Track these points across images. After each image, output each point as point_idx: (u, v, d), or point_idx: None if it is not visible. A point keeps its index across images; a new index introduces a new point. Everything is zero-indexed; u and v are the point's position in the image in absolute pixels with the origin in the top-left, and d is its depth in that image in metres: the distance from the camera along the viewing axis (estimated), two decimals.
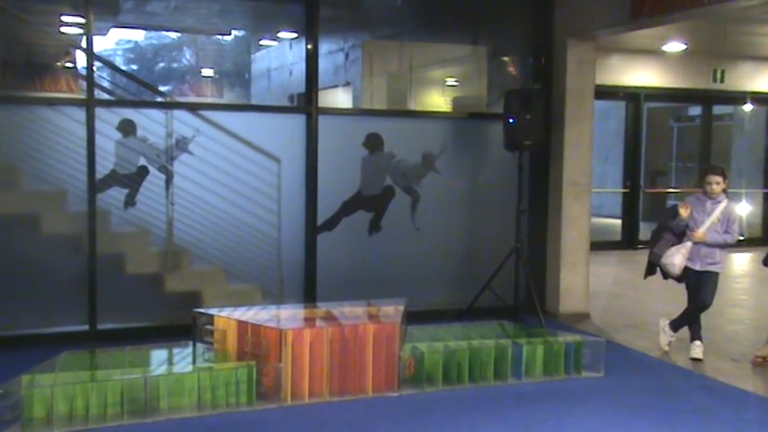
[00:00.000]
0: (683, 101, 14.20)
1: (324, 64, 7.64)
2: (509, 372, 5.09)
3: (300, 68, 7.33)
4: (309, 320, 5.29)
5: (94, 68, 5.94)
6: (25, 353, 5.06)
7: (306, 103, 6.59)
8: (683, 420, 4.44)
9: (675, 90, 11.98)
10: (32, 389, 4.12)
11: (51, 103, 6.21)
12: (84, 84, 6.21)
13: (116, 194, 6.09)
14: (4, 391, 4.02)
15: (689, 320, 5.76)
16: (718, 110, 13.25)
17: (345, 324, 4.85)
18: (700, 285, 5.60)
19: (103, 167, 5.94)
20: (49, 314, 5.82)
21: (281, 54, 18.82)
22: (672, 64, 11.75)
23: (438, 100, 13.87)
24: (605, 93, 10.61)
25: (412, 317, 5.48)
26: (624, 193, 12.35)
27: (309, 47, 6.46)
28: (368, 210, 6.76)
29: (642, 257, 6.08)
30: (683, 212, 5.56)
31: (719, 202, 5.58)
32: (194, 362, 4.82)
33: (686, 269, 5.65)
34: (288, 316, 5.28)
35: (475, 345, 5.09)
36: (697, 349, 5.72)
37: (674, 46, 10.88)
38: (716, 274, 5.60)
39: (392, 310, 5.24)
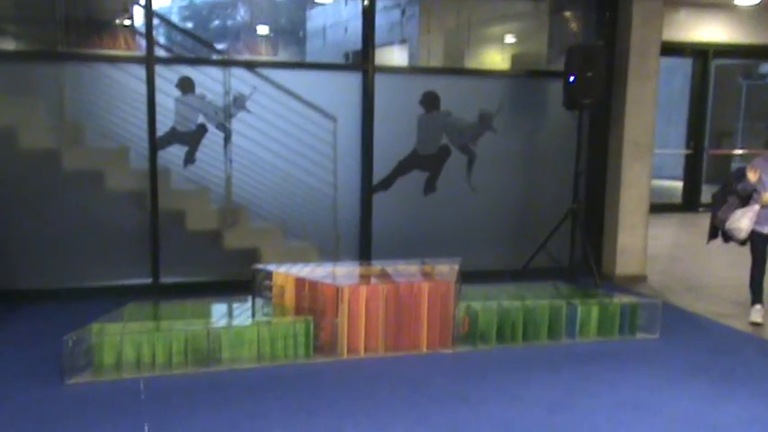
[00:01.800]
0: (753, 57, 13.67)
1: (380, 21, 7.57)
2: (563, 332, 5.09)
3: (356, 26, 7.30)
4: (365, 278, 5.35)
5: (153, 26, 6.03)
6: (93, 304, 5.28)
7: (362, 60, 6.58)
8: (739, 383, 4.38)
9: (746, 46, 11.51)
10: (102, 336, 4.31)
11: (113, 60, 6.33)
12: (141, 41, 6.30)
13: (176, 152, 6.22)
14: (76, 338, 4.20)
15: (755, 285, 5.64)
16: None
17: (401, 282, 4.90)
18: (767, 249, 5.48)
19: (163, 125, 6.06)
20: (115, 268, 6.03)
21: (336, 11, 18.74)
22: (743, 18, 11.28)
23: (496, 57, 13.65)
24: (671, 49, 10.25)
25: (467, 277, 5.50)
26: (687, 154, 12.04)
27: (366, 3, 6.41)
28: (423, 169, 6.75)
29: (703, 221, 5.95)
30: (752, 176, 5.40)
31: None
32: (254, 316, 4.95)
33: (752, 233, 5.52)
34: (344, 273, 5.35)
35: (529, 304, 5.10)
36: (757, 313, 5.61)
37: None
38: None
39: (447, 270, 5.27)
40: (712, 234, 5.83)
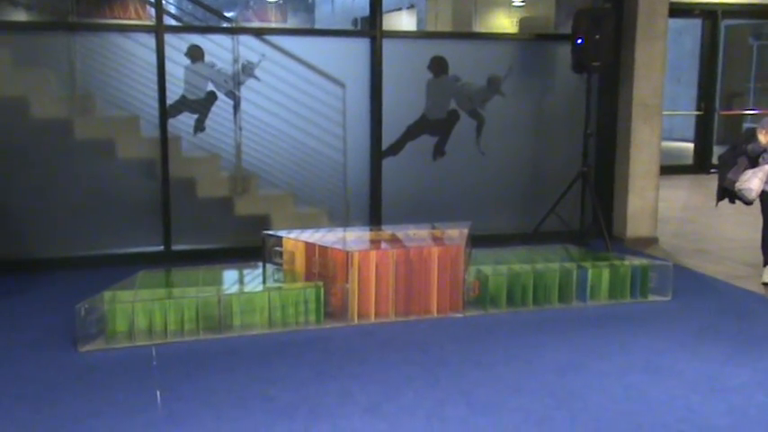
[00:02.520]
0: (764, 17, 13.46)
1: None
2: (574, 295, 5.11)
3: None
4: (375, 243, 5.38)
5: None
6: (105, 271, 5.34)
7: (370, 26, 6.53)
8: (752, 344, 4.39)
9: (756, 6, 11.36)
10: (114, 304, 4.36)
11: (123, 29, 6.32)
12: (151, 11, 6.27)
13: (186, 120, 6.23)
14: (89, 306, 4.25)
15: (767, 245, 5.62)
16: None
17: (411, 246, 4.92)
18: None
19: (173, 93, 6.06)
20: (127, 235, 6.08)
21: None
22: None
23: (504, 21, 13.52)
24: (680, 10, 10.12)
25: (477, 241, 5.52)
26: (698, 115, 11.94)
27: None
28: (432, 134, 6.74)
29: (714, 182, 5.92)
30: (763, 138, 5.36)
31: None
32: (264, 282, 4.99)
33: (762, 193, 5.49)
34: (354, 238, 5.38)
35: (539, 268, 5.11)
36: None
37: None
38: None
39: (457, 234, 5.28)
40: (720, 195, 5.81)
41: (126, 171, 6.04)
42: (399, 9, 15.50)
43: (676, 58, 13.11)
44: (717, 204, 5.89)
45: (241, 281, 5.16)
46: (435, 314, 4.83)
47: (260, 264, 5.16)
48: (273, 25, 20.18)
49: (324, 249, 4.79)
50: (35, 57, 5.85)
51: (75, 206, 5.93)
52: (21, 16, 7.27)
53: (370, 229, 6.07)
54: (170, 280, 5.04)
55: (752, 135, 5.46)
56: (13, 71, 5.79)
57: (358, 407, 3.49)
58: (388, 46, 6.36)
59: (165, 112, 5.96)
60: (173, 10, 7.08)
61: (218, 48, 6.11)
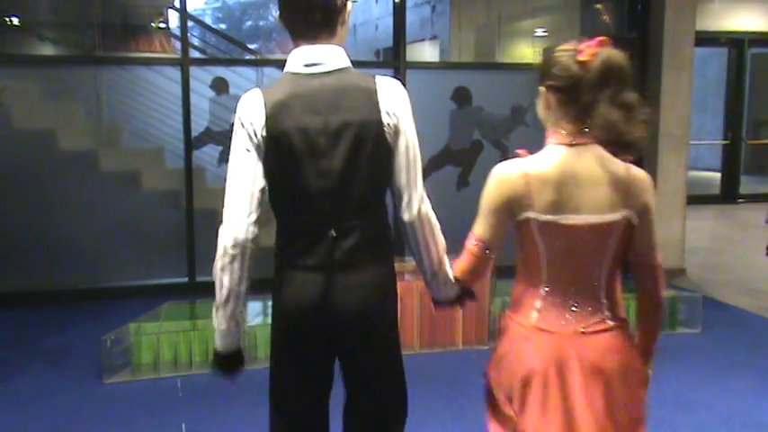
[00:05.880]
0: None
1: (410, 17, 7.56)
2: None
3: (386, 23, 7.31)
4: (399, 274, 5.32)
5: (188, 28, 6.09)
6: (130, 303, 5.34)
7: (393, 57, 6.56)
8: None
9: None
10: (140, 336, 4.36)
11: (148, 62, 6.41)
12: (176, 43, 6.37)
13: (211, 151, 6.27)
14: (114, 338, 4.26)
15: None
16: None
17: None
18: None
19: (198, 125, 6.11)
20: (151, 266, 6.11)
21: (366, 9, 18.74)
22: None
23: (527, 52, 13.54)
24: (706, 39, 10.09)
25: (502, 272, 5.45)
26: (724, 144, 11.83)
27: (396, 0, 6.40)
28: (456, 164, 6.72)
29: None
30: None
31: None
32: None
33: None
34: None
35: None
36: None
37: None
38: None
39: None
40: None
41: (151, 202, 6.09)
42: (422, 40, 15.60)
43: (702, 86, 13.02)
44: None
45: (264, 312, 5.15)
46: (461, 346, 4.77)
47: None
48: None
49: None
50: (62, 90, 5.95)
51: (101, 237, 5.97)
52: (48, 51, 7.41)
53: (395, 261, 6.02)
54: (195, 311, 5.04)
55: None
56: (41, 104, 5.88)
57: None
58: (411, 76, 6.38)
59: (190, 144, 6.01)
60: (197, 42, 7.20)
61: (242, 79, 6.17)
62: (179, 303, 5.11)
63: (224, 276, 2.04)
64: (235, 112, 2.00)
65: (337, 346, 2.08)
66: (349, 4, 2.02)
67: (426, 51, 15.69)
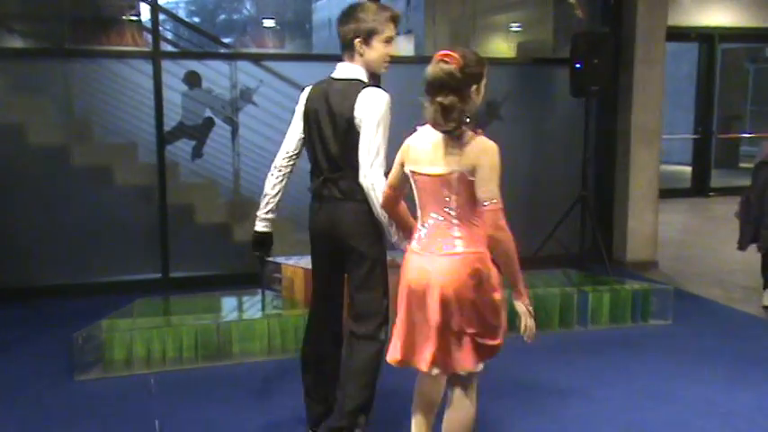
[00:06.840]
0: (760, 41, 13.57)
1: None
2: (574, 320, 5.08)
3: None
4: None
5: (159, 21, 6.02)
6: (103, 299, 5.28)
7: None
8: (753, 367, 4.36)
9: (752, 30, 11.42)
10: (113, 333, 4.32)
11: (119, 56, 6.33)
12: (148, 36, 6.30)
13: (184, 146, 6.22)
14: (86, 335, 4.21)
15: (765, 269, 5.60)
16: None
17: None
18: None
19: (171, 120, 6.06)
20: (124, 263, 6.04)
21: (342, 3, 18.65)
22: (749, 2, 11.18)
23: (502, 46, 13.59)
24: (677, 35, 10.15)
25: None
26: (695, 139, 11.97)
27: None
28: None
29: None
30: None
31: None
32: (263, 308, 4.95)
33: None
34: None
35: (540, 293, 5.08)
36: None
37: None
38: None
39: None
40: (753, 238, 5.52)
41: (124, 198, 6.02)
42: (397, 34, 15.61)
43: (673, 81, 13.15)
44: (746, 248, 5.61)
45: (240, 308, 5.13)
46: None
47: (259, 290, 5.13)
48: (271, 51, 20.30)
49: None
50: (32, 83, 5.86)
51: (72, 233, 5.89)
52: (16, 43, 7.29)
53: None
54: (168, 308, 5.01)
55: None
56: (9, 98, 5.79)
57: None
58: (387, 71, 6.36)
59: (163, 139, 5.95)
60: (169, 36, 7.12)
61: (215, 74, 6.12)
62: (152, 299, 5.07)
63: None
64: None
65: (331, 247, 3.16)
66: (356, 43, 3.16)
67: (401, 45, 15.68)
